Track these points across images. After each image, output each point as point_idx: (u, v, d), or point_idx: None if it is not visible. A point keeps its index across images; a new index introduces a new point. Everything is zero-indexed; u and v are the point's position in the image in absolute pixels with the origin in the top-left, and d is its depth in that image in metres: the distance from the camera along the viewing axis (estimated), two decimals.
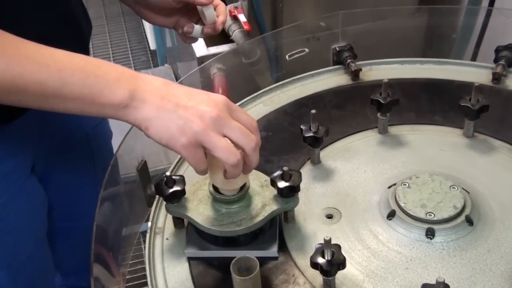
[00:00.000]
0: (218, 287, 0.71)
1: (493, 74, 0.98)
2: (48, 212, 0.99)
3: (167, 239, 0.76)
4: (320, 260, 0.63)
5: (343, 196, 0.80)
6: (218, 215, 0.71)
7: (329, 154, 0.88)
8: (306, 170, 0.85)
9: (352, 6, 1.23)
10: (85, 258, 0.70)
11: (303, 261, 0.71)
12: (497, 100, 0.94)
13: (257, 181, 0.74)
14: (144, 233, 0.78)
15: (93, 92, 0.64)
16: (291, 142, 0.90)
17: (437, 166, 0.82)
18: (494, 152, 0.86)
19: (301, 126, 0.83)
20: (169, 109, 0.64)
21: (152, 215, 0.80)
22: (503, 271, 0.68)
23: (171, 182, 0.72)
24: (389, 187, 0.79)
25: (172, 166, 0.87)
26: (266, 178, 0.74)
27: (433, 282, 0.60)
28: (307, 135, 0.82)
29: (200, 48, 1.44)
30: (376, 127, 0.91)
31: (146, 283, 0.71)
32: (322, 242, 0.63)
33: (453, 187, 0.74)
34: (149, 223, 0.79)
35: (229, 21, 1.38)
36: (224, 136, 0.64)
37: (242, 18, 1.37)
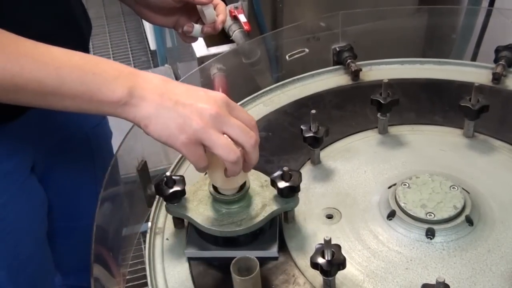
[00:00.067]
0: (218, 287, 0.71)
1: (493, 74, 0.98)
2: (48, 212, 0.99)
3: (167, 239, 0.76)
4: (320, 260, 0.63)
5: (343, 196, 0.80)
6: (218, 215, 0.71)
7: (329, 154, 0.88)
8: (306, 170, 0.85)
9: (352, 6, 1.23)
10: (85, 258, 0.70)
11: (303, 261, 0.71)
12: (497, 100, 0.94)
13: (257, 181, 0.74)
14: (144, 233, 0.78)
15: (92, 89, 0.64)
16: (291, 142, 0.90)
17: (437, 166, 0.82)
18: (494, 152, 0.86)
19: (301, 126, 0.83)
20: (168, 107, 0.64)
21: (152, 215, 0.80)
22: (503, 271, 0.68)
23: (171, 182, 0.72)
24: (389, 187, 0.79)
25: (172, 166, 0.87)
26: (266, 178, 0.74)
27: (433, 282, 0.59)
28: (307, 135, 0.82)
29: (200, 48, 1.44)
30: (376, 127, 0.91)
31: (146, 283, 0.71)
32: (322, 242, 0.63)
33: (453, 187, 0.74)
34: (149, 223, 0.78)
35: (229, 21, 1.37)
36: (224, 133, 0.64)
37: (242, 18, 1.37)
